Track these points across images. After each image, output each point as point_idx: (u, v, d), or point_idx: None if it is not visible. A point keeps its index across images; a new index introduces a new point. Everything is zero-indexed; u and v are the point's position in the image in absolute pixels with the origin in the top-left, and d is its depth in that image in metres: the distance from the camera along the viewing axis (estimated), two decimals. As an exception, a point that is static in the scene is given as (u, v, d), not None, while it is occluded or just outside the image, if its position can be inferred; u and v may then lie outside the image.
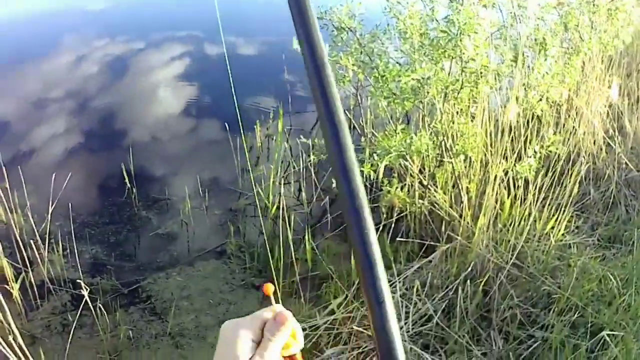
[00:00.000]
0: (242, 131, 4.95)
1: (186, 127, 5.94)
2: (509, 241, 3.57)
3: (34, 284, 3.95)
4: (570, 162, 4.00)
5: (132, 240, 4.55)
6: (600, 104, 4.58)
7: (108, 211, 4.82)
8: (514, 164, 3.60)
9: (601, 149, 4.56)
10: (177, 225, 4.69)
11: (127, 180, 4.86)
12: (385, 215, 4.07)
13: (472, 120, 3.68)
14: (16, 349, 2.93)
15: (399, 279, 3.52)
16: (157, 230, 4.62)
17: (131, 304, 3.96)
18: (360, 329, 3.39)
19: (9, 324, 3.02)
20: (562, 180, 3.81)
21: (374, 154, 3.43)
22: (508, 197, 3.67)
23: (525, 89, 3.92)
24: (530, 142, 3.80)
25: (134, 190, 4.85)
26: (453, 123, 3.63)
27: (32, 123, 5.90)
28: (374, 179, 4.20)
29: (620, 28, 5.19)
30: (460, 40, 3.38)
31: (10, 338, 2.99)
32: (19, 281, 3.73)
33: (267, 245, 4.18)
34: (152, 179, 5.17)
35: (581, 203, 4.37)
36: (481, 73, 3.49)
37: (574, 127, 4.22)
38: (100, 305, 3.66)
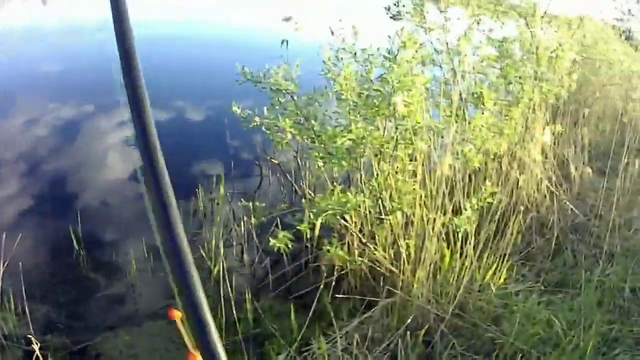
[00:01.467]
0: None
1: (133, 191, 6.05)
2: (449, 293, 3.68)
3: (-15, 341, 4.03)
4: (514, 213, 4.12)
5: (82, 300, 4.61)
6: (544, 154, 4.73)
7: (59, 271, 4.88)
8: (452, 218, 3.72)
9: (545, 197, 4.69)
10: (125, 287, 4.77)
11: (75, 242, 4.95)
12: (325, 274, 4.18)
13: (410, 177, 3.81)
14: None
15: (339, 334, 3.62)
16: (105, 291, 4.69)
17: (82, 363, 4.04)
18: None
19: None
20: (504, 231, 3.94)
21: (310, 213, 3.54)
22: (448, 249, 3.79)
23: (460, 143, 4.04)
24: (469, 196, 3.93)
25: (82, 252, 4.94)
26: (389, 181, 3.76)
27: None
28: (314, 239, 4.33)
29: (565, 76, 5.38)
30: (392, 98, 3.52)
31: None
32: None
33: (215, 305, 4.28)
34: (100, 241, 5.26)
35: (526, 252, 4.49)
36: (415, 130, 3.63)
37: (516, 177, 4.36)
38: (51, 363, 3.73)
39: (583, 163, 5.06)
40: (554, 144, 4.86)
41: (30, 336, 3.42)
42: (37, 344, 3.28)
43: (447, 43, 4.74)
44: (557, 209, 4.67)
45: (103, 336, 4.24)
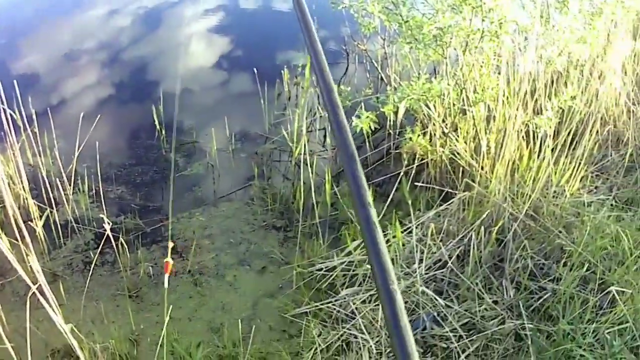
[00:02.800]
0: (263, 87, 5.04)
1: (216, 76, 6.09)
2: (525, 193, 3.66)
3: (58, 223, 4.11)
4: (592, 123, 4.05)
5: (158, 181, 4.72)
6: (624, 69, 4.62)
7: (137, 153, 5.00)
8: (533, 117, 3.68)
9: (623, 112, 4.61)
10: (203, 167, 4.87)
11: (156, 123, 5.00)
12: (405, 163, 4.17)
13: (494, 73, 3.77)
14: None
15: (415, 224, 3.64)
16: (183, 171, 4.80)
17: (153, 242, 4.13)
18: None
19: (31, 262, 3.14)
20: (580, 139, 3.89)
21: (394, 97, 3.52)
22: (527, 149, 3.75)
23: (544, 45, 3.97)
24: (550, 98, 3.88)
25: (163, 133, 5.02)
26: (473, 73, 3.72)
27: (64, 74, 6.12)
28: (397, 127, 4.32)
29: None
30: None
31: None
32: (43, 220, 3.86)
33: (295, 188, 4.32)
34: (181, 123, 5.33)
35: (600, 164, 4.43)
36: (501, 24, 3.57)
37: (596, 87, 4.28)
38: (122, 242, 3.81)
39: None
40: (634, 62, 4.73)
41: (102, 216, 3.44)
42: (109, 223, 3.30)
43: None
44: (634, 125, 4.58)
45: (177, 217, 4.32)
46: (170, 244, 2.60)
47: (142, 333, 3.50)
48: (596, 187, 4.26)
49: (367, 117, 3.49)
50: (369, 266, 3.45)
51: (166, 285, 2.42)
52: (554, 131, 3.74)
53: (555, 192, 3.84)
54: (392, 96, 3.54)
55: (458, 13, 3.59)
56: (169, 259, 2.38)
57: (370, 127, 3.51)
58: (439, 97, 3.66)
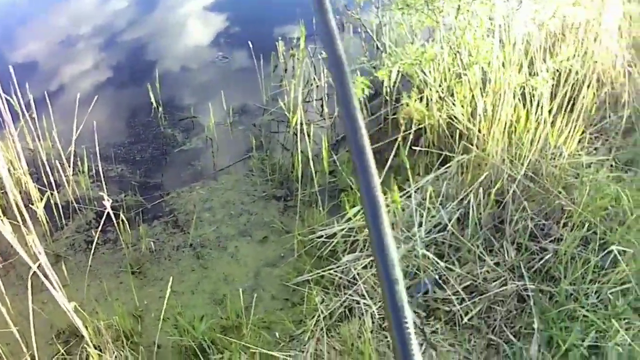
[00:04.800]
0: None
1: (212, 52, 6.10)
2: (523, 155, 3.66)
3: (59, 204, 4.14)
4: (589, 84, 4.05)
5: (158, 158, 4.76)
6: (620, 32, 4.61)
7: (135, 131, 5.05)
8: (529, 78, 3.68)
9: (620, 74, 4.60)
10: (202, 141, 4.91)
11: (153, 100, 5.05)
12: (403, 128, 4.18)
13: (488, 36, 3.77)
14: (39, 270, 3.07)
15: (414, 188, 3.65)
16: (182, 146, 4.84)
17: (154, 218, 4.17)
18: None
19: (34, 244, 3.15)
20: (577, 101, 3.88)
21: (388, 61, 3.52)
22: (524, 111, 3.75)
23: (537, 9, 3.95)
24: (545, 61, 3.88)
25: (160, 109, 5.07)
26: (466, 37, 3.72)
27: (61, 58, 6.16)
28: (394, 93, 4.32)
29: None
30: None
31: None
32: (44, 202, 3.86)
33: (293, 158, 4.32)
34: (178, 99, 5.40)
35: (600, 126, 4.42)
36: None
37: (592, 49, 4.27)
38: (124, 220, 3.84)
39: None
40: (629, 25, 4.72)
41: (102, 194, 3.46)
42: (108, 200, 3.32)
43: None
44: (632, 87, 4.57)
45: (177, 191, 4.35)
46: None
47: (146, 309, 3.54)
48: (595, 149, 4.26)
49: (362, 82, 3.49)
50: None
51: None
52: (551, 93, 3.74)
53: (553, 153, 3.84)
54: (387, 61, 3.54)
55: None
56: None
57: (364, 92, 3.51)
58: (433, 61, 3.65)
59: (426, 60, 3.57)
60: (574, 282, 3.25)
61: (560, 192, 3.65)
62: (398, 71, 3.69)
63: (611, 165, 4.08)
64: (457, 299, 3.26)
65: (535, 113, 3.69)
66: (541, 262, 3.41)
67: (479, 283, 3.33)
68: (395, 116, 4.56)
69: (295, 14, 6.23)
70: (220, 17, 6.80)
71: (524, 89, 3.72)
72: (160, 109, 5.06)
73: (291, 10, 6.58)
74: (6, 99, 4.09)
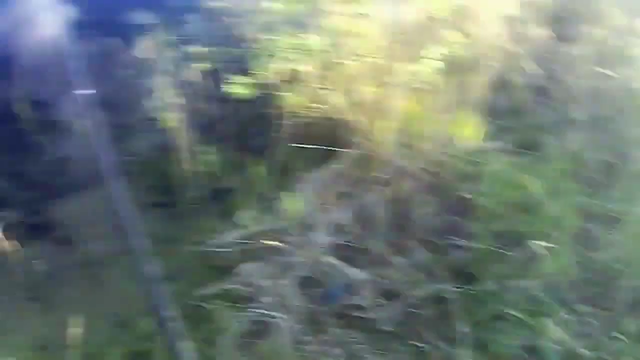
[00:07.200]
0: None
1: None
2: (417, 146, 3.52)
3: None
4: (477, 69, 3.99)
5: (27, 166, 4.34)
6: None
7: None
8: (420, 65, 3.54)
9: (504, 56, 4.56)
10: (74, 147, 4.41)
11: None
12: (284, 123, 3.97)
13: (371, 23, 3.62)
14: None
15: (306, 186, 3.45)
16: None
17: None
18: (276, 242, 3.30)
19: None
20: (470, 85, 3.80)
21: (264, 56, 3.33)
22: (415, 100, 3.62)
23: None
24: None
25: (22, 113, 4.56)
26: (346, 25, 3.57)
27: None
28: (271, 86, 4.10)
29: None
30: None
31: None
32: None
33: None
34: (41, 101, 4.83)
35: (493, 109, 4.35)
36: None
37: (476, 33, 4.21)
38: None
39: (540, 26, 4.92)
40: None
41: None
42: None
43: None
44: (518, 68, 4.54)
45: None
46: None
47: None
48: (491, 135, 4.17)
49: (242, 83, 3.28)
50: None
51: None
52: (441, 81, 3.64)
53: (449, 142, 3.72)
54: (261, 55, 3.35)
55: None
56: None
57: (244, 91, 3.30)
58: (312, 52, 3.46)
59: (306, 52, 3.37)
60: (494, 280, 3.13)
61: (461, 184, 3.52)
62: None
63: (509, 150, 4.00)
64: (372, 305, 3.09)
65: (427, 101, 3.57)
66: (456, 260, 3.29)
67: (393, 287, 3.17)
68: (274, 110, 4.31)
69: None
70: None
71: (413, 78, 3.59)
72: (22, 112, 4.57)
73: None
74: None
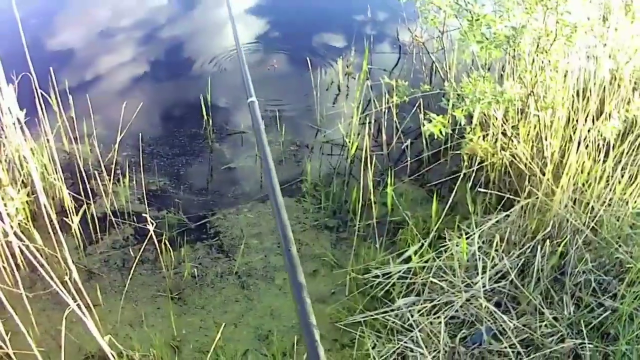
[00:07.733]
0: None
1: (262, 61, 5.89)
2: (588, 203, 3.51)
3: (95, 216, 3.98)
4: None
5: (204, 173, 4.58)
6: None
7: (179, 142, 4.85)
8: (601, 124, 3.52)
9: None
10: (251, 160, 4.70)
11: (203, 111, 4.87)
12: (465, 164, 4.05)
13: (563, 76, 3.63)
14: (70, 286, 2.91)
15: (477, 231, 3.50)
16: (229, 164, 4.64)
17: (198, 240, 3.99)
18: (436, 280, 3.36)
19: (65, 259, 2.98)
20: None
21: (465, 99, 3.38)
22: (589, 158, 3.60)
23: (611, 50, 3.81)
24: (616, 106, 3.74)
25: (210, 121, 4.89)
26: (541, 74, 3.58)
27: (105, 58, 5.96)
28: (456, 127, 4.17)
29: None
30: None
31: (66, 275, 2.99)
32: (80, 214, 3.68)
33: (349, 186, 4.26)
34: (229, 112, 5.18)
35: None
36: (575, 27, 3.42)
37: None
38: (165, 240, 3.67)
39: None
40: None
41: (144, 215, 3.36)
42: (152, 223, 3.17)
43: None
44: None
45: (224, 212, 4.19)
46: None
47: (184, 339, 3.37)
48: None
49: (439, 121, 3.36)
50: (427, 277, 3.33)
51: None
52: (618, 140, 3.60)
53: (619, 202, 3.69)
54: (454, 96, 3.40)
55: (529, 13, 3.43)
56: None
57: (441, 132, 3.38)
58: (510, 102, 3.49)
59: (504, 101, 3.42)
60: (629, 342, 3.10)
61: (620, 246, 3.50)
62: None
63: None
64: (514, 352, 3.11)
65: (602, 161, 3.54)
66: (599, 318, 3.26)
67: (536, 337, 3.18)
68: (456, 151, 4.42)
69: (350, 25, 6.11)
70: (269, 22, 6.68)
71: (592, 133, 3.57)
72: (210, 120, 4.89)
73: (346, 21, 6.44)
74: (43, 95, 3.92)
